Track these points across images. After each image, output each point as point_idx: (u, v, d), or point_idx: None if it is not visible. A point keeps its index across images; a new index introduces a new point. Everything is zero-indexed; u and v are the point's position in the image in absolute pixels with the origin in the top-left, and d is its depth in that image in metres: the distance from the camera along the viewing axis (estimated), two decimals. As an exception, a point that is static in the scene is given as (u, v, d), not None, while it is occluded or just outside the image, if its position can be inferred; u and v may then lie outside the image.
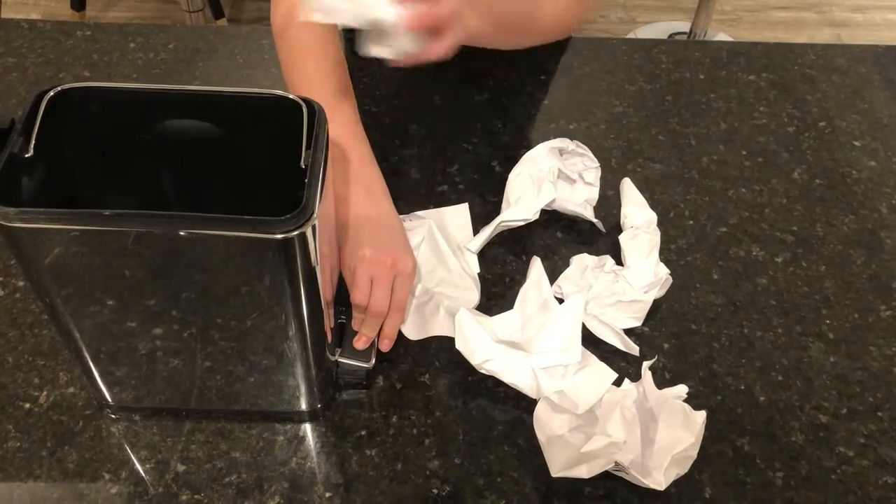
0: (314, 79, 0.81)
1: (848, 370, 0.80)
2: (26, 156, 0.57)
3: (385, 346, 0.75)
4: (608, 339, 0.80)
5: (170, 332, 0.63)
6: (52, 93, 0.60)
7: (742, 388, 0.78)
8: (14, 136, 0.57)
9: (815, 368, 0.80)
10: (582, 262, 0.84)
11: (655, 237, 0.86)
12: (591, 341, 0.79)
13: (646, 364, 0.73)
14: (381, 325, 0.75)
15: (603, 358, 0.77)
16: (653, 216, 0.89)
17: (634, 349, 0.79)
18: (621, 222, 0.89)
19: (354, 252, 0.73)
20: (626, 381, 0.73)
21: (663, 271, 0.83)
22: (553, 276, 0.84)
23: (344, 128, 0.79)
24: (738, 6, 2.81)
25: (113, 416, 0.73)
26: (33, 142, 0.58)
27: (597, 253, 0.86)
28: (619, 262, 0.86)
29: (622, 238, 0.86)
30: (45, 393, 0.74)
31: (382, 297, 0.73)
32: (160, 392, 0.71)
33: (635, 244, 0.85)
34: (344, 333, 0.75)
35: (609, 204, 0.93)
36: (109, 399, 0.71)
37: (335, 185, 0.75)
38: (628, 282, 0.81)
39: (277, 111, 0.62)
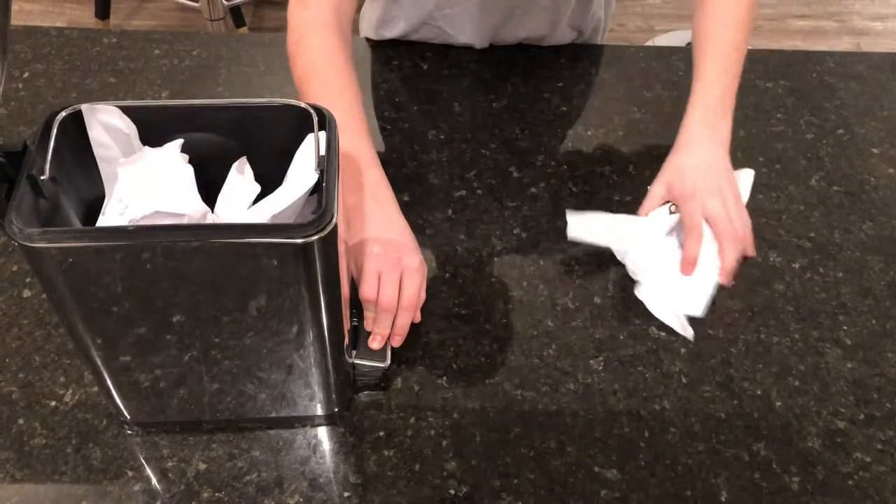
0: (322, 97, 0.83)
1: (865, 376, 0.80)
2: (42, 178, 0.58)
3: (396, 342, 0.76)
4: (663, 317, 0.83)
5: (191, 344, 0.64)
6: (63, 113, 0.61)
7: (759, 393, 0.78)
8: (29, 159, 0.58)
9: (832, 374, 0.80)
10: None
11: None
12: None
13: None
14: (393, 322, 0.76)
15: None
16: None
17: (689, 333, 0.82)
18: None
19: (362, 249, 0.75)
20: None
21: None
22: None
23: (352, 140, 0.80)
24: (757, 14, 2.81)
25: (129, 431, 0.73)
26: (48, 163, 0.58)
27: None
28: None
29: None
30: (70, 391, 0.75)
31: (391, 292, 0.74)
32: (179, 407, 0.71)
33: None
34: (358, 335, 0.76)
35: (627, 209, 0.94)
36: (128, 416, 0.72)
37: (344, 194, 0.76)
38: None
39: (289, 120, 0.63)
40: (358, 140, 0.81)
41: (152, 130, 0.64)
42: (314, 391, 0.71)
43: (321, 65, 0.85)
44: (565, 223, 0.89)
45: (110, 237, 0.56)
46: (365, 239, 0.76)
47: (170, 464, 0.71)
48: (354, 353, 0.75)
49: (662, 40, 2.65)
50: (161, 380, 0.67)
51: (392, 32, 1.14)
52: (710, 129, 0.89)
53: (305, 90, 0.84)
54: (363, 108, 0.84)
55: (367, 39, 1.16)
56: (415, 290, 0.75)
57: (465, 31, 1.11)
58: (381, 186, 0.80)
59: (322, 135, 0.62)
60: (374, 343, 0.75)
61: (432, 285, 0.84)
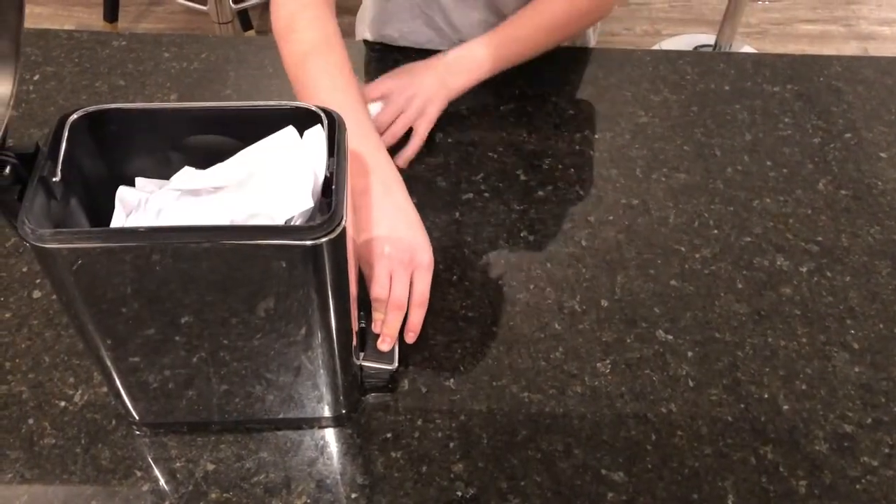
0: (321, 78, 0.82)
1: (873, 380, 0.80)
2: (54, 179, 0.58)
3: (410, 338, 0.77)
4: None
5: (200, 346, 0.64)
6: (74, 116, 0.61)
7: (766, 396, 0.78)
8: (41, 160, 0.58)
9: (839, 378, 0.80)
10: None
11: None
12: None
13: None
14: (405, 320, 0.76)
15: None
16: None
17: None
18: None
19: (372, 247, 0.75)
20: None
21: None
22: None
23: (356, 125, 0.80)
24: (765, 19, 2.81)
25: (137, 432, 0.74)
26: (60, 165, 0.59)
27: None
28: None
29: None
30: (79, 392, 0.76)
31: (402, 290, 0.74)
32: (188, 408, 0.72)
33: None
34: (366, 337, 0.76)
35: (634, 212, 0.94)
36: (136, 416, 0.72)
37: (350, 178, 0.76)
38: None
39: (298, 122, 0.64)
40: (363, 123, 0.81)
41: (161, 132, 0.65)
42: (322, 393, 0.71)
43: (317, 44, 0.84)
44: (572, 226, 0.90)
45: (121, 238, 0.56)
46: (375, 237, 0.75)
47: (178, 464, 0.71)
48: (362, 355, 0.75)
49: (669, 44, 2.65)
50: (170, 381, 0.68)
51: (390, 28, 1.14)
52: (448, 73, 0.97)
53: (301, 72, 0.83)
54: (360, 89, 0.83)
55: (365, 42, 1.17)
56: (426, 286, 0.76)
57: (461, 31, 1.11)
58: (388, 170, 0.80)
59: (323, 134, 0.61)
60: (384, 345, 0.75)
61: (440, 288, 0.84)
